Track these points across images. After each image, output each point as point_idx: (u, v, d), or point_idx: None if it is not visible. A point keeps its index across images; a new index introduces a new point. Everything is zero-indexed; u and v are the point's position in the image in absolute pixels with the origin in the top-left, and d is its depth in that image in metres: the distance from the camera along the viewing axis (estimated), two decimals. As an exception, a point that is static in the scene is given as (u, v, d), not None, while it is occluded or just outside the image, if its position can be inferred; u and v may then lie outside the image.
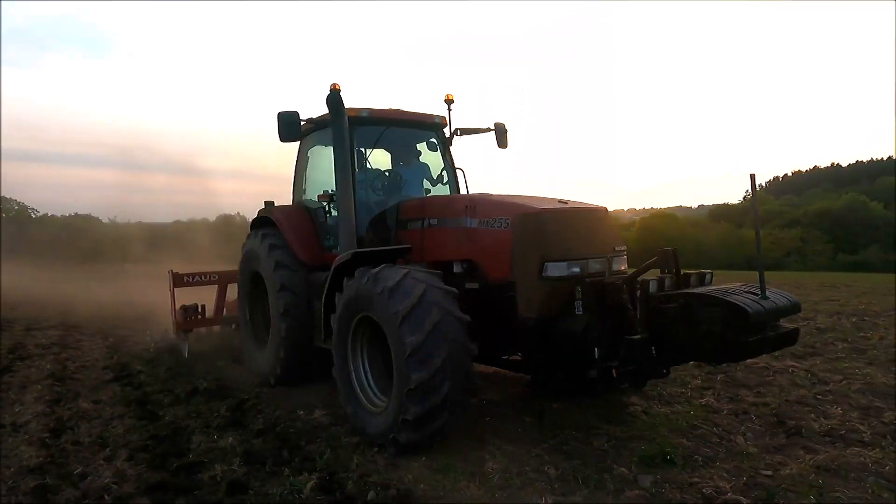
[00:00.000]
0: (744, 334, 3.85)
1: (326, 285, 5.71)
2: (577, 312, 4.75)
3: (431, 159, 7.54)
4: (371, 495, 4.08)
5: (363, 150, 6.98)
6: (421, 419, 4.52)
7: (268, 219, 7.57)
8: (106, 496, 4.20)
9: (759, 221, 3.96)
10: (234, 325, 9.13)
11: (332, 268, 5.61)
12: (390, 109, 7.04)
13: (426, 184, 7.47)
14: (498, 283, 5.18)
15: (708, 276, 4.57)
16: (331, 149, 7.55)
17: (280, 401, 6.46)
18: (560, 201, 5.38)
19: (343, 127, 6.09)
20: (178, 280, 9.00)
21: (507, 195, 5.71)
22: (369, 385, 5.42)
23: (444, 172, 7.47)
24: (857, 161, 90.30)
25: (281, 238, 7.16)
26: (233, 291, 9.16)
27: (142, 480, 4.44)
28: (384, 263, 5.18)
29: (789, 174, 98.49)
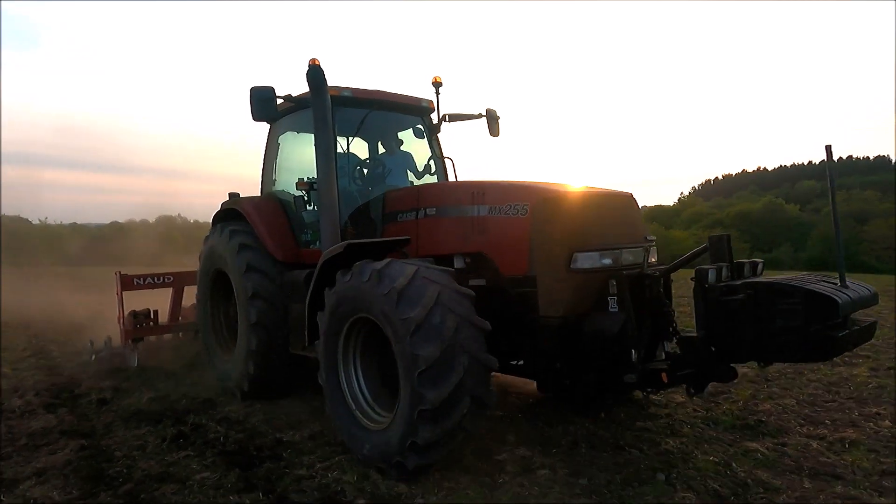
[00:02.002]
0: (830, 329, 3.25)
1: (312, 283, 4.82)
2: (611, 309, 4.07)
3: (417, 147, 6.73)
4: (184, 402, 6.13)
5: (346, 134, 6.14)
6: (433, 444, 3.77)
7: (233, 212, 6.57)
8: (17, 410, 6.06)
9: (836, 207, 3.37)
10: (195, 333, 8.02)
11: (321, 262, 4.73)
12: (375, 90, 6.19)
13: (410, 174, 6.66)
14: (513, 278, 4.44)
15: (760, 266, 3.98)
16: (304, 135, 6.69)
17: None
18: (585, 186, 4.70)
19: (325, 107, 5.24)
20: (127, 283, 7.80)
21: (520, 180, 4.98)
22: (364, 397, 4.57)
23: (432, 162, 6.67)
24: (780, 165, 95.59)
25: (250, 234, 6.19)
26: (189, 295, 8.08)
27: (41, 404, 6.29)
28: (380, 257, 4.39)
29: (720, 177, 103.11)
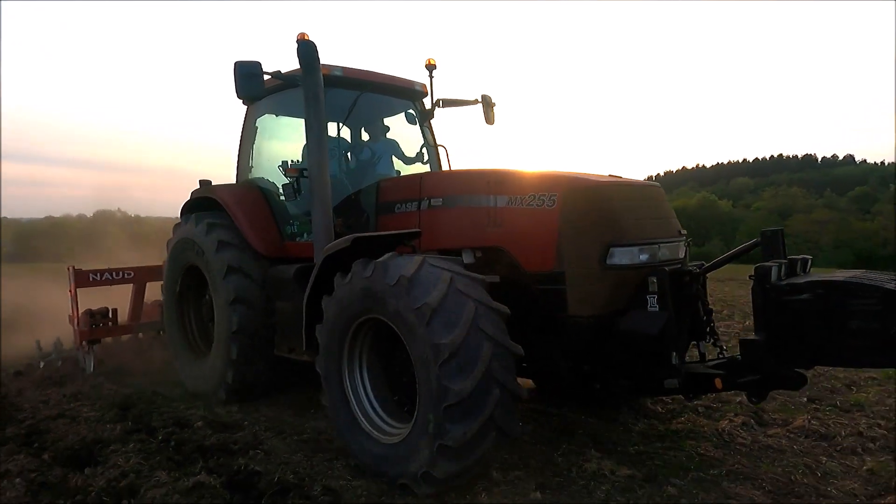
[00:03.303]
0: None
1: (312, 280, 4.25)
2: (650, 308, 3.70)
3: (407, 133, 6.20)
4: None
5: (333, 117, 5.54)
6: (448, 479, 3.36)
7: (206, 201, 5.87)
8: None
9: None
10: (158, 332, 7.23)
11: (323, 257, 4.18)
12: (367, 71, 5.62)
13: (397, 162, 6.13)
14: (537, 274, 4.00)
15: (809, 263, 3.70)
16: (283, 119, 6.07)
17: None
18: (611, 176, 4.30)
19: (318, 85, 4.68)
20: (82, 278, 6.91)
21: (539, 169, 4.55)
22: (372, 406, 4.06)
23: (424, 150, 6.15)
24: (717, 163, 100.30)
25: (229, 228, 5.54)
26: (152, 292, 7.29)
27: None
28: (388, 250, 3.90)
29: (661, 174, 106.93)
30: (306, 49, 4.63)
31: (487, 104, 6.21)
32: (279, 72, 5.00)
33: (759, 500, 3.29)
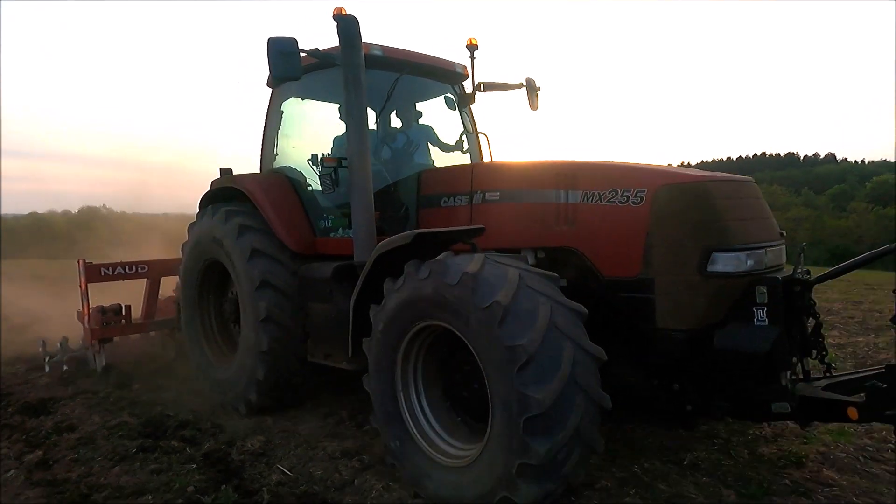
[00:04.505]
0: None
1: (362, 278, 3.67)
2: (757, 322, 3.14)
3: (444, 119, 5.57)
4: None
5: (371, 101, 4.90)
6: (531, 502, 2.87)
7: (227, 192, 5.24)
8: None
9: None
10: (171, 331, 6.59)
11: (376, 254, 3.59)
12: (407, 50, 4.99)
13: (434, 151, 5.52)
14: (619, 280, 3.44)
15: None
16: (309, 102, 5.45)
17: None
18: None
19: (359, 66, 4.10)
20: (93, 273, 6.23)
21: (619, 161, 3.95)
22: (429, 423, 3.52)
23: (464, 137, 5.53)
24: (702, 161, 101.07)
25: (254, 216, 4.91)
26: (166, 288, 6.66)
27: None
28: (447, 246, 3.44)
29: None
30: (346, 25, 4.04)
31: (532, 89, 5.60)
32: (317, 49, 4.36)
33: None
